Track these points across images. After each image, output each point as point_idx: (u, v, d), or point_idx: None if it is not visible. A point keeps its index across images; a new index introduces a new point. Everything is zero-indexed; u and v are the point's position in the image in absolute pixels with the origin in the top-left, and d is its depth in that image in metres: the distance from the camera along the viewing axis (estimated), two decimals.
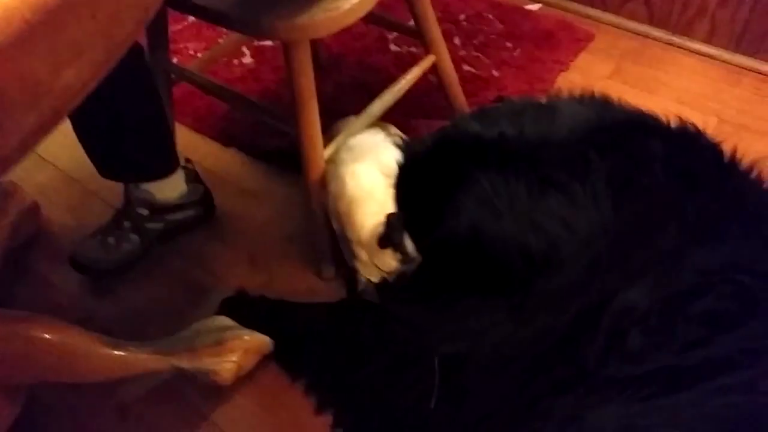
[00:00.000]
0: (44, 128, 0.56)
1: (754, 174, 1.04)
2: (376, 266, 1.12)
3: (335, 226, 1.19)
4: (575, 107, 1.11)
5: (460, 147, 1.10)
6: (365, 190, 1.13)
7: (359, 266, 1.15)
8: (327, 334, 1.15)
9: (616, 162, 1.00)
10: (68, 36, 0.53)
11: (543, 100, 1.23)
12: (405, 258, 1.10)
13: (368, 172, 1.15)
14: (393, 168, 1.18)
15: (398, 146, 1.20)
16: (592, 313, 0.85)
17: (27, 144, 0.56)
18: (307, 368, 1.13)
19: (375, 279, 1.14)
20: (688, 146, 1.05)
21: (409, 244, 1.11)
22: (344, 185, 1.14)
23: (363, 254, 1.13)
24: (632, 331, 0.80)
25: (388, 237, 1.09)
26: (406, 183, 1.13)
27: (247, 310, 1.21)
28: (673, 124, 1.11)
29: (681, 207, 0.94)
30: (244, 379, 1.13)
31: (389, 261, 1.11)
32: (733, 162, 1.05)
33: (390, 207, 1.13)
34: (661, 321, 0.80)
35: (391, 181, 1.16)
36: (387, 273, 1.12)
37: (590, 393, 0.79)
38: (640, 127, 1.08)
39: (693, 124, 1.08)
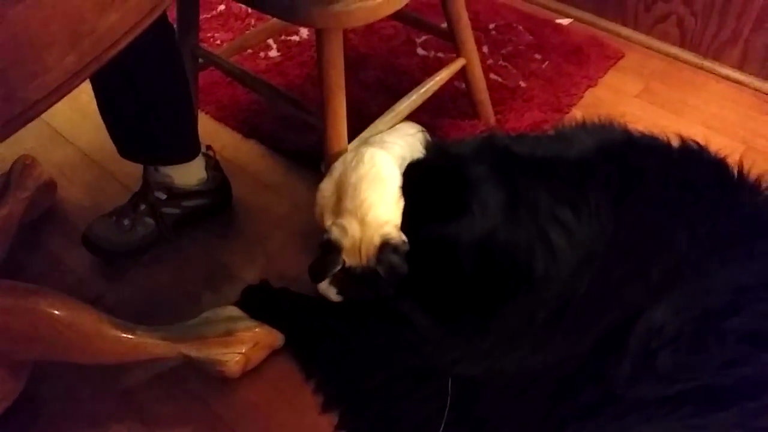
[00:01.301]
0: (82, 73, 0.54)
1: (762, 189, 1.03)
2: (360, 250, 1.09)
3: (321, 197, 1.15)
4: (580, 133, 1.13)
5: (492, 153, 1.10)
6: (381, 176, 1.10)
7: (344, 241, 1.09)
8: (344, 335, 1.13)
9: (613, 176, 1.00)
10: None
11: (551, 132, 1.27)
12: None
13: (388, 162, 1.12)
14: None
15: (427, 143, 1.19)
16: (618, 333, 0.83)
17: (64, 88, 0.54)
18: (321, 365, 1.11)
19: (354, 264, 1.09)
20: (688, 160, 1.04)
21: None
22: (360, 162, 1.11)
23: (356, 231, 1.08)
24: (662, 351, 0.78)
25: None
26: (429, 177, 1.12)
27: (268, 300, 1.19)
28: (674, 142, 1.11)
29: (687, 219, 0.93)
30: (251, 372, 1.11)
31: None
32: (742, 178, 1.03)
33: (398, 202, 1.11)
34: (693, 340, 0.77)
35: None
36: (367, 260, 1.09)
37: (621, 416, 0.76)
38: (636, 145, 1.08)
39: (695, 141, 1.08)
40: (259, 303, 1.17)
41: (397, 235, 1.08)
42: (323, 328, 1.14)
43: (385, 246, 1.07)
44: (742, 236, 0.93)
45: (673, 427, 0.72)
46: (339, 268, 1.09)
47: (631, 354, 0.80)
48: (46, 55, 0.49)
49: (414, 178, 1.14)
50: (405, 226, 1.10)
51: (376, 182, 1.09)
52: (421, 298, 1.12)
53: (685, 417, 0.72)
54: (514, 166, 1.09)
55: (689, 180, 1.03)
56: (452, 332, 1.06)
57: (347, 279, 1.10)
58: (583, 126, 1.19)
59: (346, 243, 1.08)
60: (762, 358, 0.75)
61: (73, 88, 0.56)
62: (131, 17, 0.53)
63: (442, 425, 0.96)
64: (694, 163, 1.07)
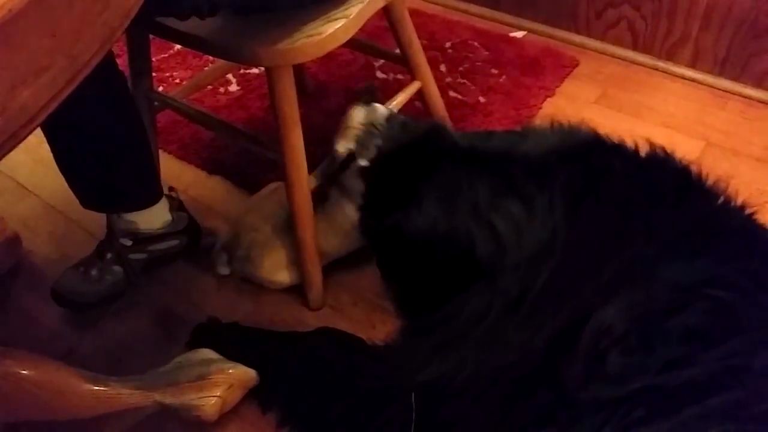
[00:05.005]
0: None
1: (719, 191, 1.04)
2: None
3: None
4: (542, 132, 1.14)
5: (436, 146, 1.12)
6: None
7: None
8: (302, 366, 1.12)
9: (573, 174, 1.01)
10: (25, 54, 0.50)
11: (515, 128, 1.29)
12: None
13: None
14: None
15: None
16: (569, 333, 0.83)
17: None
18: (281, 401, 1.10)
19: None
20: (653, 165, 1.05)
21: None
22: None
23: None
24: (612, 352, 0.79)
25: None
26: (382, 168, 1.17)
27: (219, 339, 1.18)
28: (641, 147, 1.12)
29: (647, 220, 0.94)
30: (229, 414, 1.10)
31: None
32: (699, 180, 1.05)
33: None
34: (639, 340, 0.79)
35: None
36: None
37: (576, 421, 0.77)
38: (601, 145, 1.09)
39: (662, 147, 1.09)
40: (209, 341, 1.16)
41: None
42: (277, 362, 1.14)
43: None
44: (689, 235, 0.94)
45: None
46: None
47: (582, 354, 0.81)
48: None
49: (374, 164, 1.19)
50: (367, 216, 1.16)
51: None
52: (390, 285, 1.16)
53: (637, 424, 0.73)
54: (457, 159, 1.11)
55: (652, 183, 1.04)
56: (416, 334, 1.06)
57: None
58: (549, 126, 1.19)
59: None
60: (703, 357, 0.76)
61: None
62: (45, 92, 0.52)
63: None
64: (659, 168, 1.08)
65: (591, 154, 1.07)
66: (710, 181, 1.04)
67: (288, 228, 1.22)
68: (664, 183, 1.04)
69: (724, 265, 0.85)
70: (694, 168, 1.06)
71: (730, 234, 0.94)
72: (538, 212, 0.96)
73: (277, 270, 1.26)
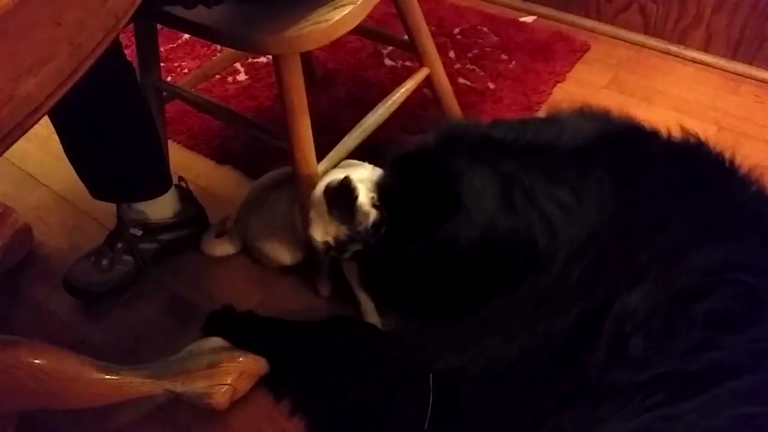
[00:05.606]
0: (4, 142, 0.53)
1: (753, 179, 1.03)
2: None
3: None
4: (577, 119, 1.10)
5: (467, 142, 1.07)
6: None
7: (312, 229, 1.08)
8: (315, 353, 1.12)
9: (620, 160, 0.98)
10: (30, 42, 0.50)
11: (542, 116, 1.22)
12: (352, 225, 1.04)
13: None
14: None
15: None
16: (593, 318, 0.83)
17: None
18: (294, 389, 1.11)
19: (326, 238, 1.07)
20: (690, 151, 1.04)
21: (364, 205, 1.04)
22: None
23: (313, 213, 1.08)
24: (634, 337, 0.78)
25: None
26: (405, 177, 1.08)
27: (233, 326, 1.19)
28: (674, 133, 1.10)
29: (684, 207, 0.93)
30: (240, 401, 1.10)
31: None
32: (733, 167, 1.04)
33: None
34: (664, 324, 0.78)
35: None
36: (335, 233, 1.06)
37: (596, 405, 0.77)
38: (638, 131, 1.07)
39: (695, 134, 1.07)
40: (223, 328, 1.16)
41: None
42: (292, 350, 1.14)
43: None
44: (720, 221, 0.93)
45: (645, 418, 0.72)
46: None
47: (604, 339, 0.80)
48: None
49: (389, 191, 1.08)
50: (393, 243, 1.05)
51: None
52: (415, 304, 1.11)
53: (658, 405, 0.72)
54: (496, 152, 1.05)
55: (691, 170, 1.02)
56: (437, 323, 1.04)
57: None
58: (579, 112, 1.16)
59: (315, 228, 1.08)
60: (728, 341, 0.75)
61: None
62: (51, 81, 0.52)
63: (426, 423, 0.96)
64: (695, 154, 1.07)
65: (631, 140, 1.05)
66: (744, 169, 1.02)
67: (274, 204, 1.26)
68: (702, 169, 1.02)
69: (750, 250, 0.84)
70: (728, 155, 1.05)
71: (759, 220, 0.93)
72: (587, 201, 0.95)
73: (257, 237, 1.30)
